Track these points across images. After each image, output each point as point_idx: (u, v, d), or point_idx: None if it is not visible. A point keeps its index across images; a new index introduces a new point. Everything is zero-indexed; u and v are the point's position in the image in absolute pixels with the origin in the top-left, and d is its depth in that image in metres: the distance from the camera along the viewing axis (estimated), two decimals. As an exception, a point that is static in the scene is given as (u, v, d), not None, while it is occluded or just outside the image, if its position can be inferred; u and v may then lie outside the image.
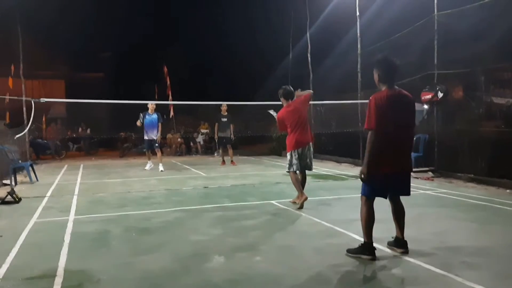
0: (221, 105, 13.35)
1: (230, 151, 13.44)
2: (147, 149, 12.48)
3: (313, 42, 15.91)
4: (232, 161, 13.40)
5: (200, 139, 18.88)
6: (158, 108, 12.38)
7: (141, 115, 11.91)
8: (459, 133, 9.75)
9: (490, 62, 9.58)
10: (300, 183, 6.63)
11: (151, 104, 12.04)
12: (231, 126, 13.24)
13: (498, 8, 8.64)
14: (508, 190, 7.95)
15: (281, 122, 6.64)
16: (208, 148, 18.83)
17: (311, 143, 6.67)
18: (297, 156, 6.50)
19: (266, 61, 19.45)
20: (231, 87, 21.11)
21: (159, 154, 12.21)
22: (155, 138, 11.97)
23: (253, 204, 6.90)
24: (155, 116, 11.94)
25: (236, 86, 20.63)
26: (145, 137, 12.10)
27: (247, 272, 3.80)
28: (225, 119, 13.22)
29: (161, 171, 11.74)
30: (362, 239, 4.27)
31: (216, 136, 13.42)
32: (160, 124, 12.05)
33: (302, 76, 16.34)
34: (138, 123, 11.94)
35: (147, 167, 12.31)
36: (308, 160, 6.59)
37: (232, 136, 13.31)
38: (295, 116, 6.51)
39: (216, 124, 13.32)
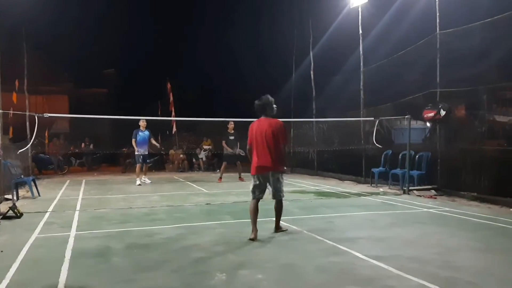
0: (228, 123, 13.34)
1: (239, 168, 13.36)
2: (139, 164, 12.76)
3: (316, 60, 16.01)
4: (240, 177, 13.35)
5: (202, 155, 18.86)
6: (161, 124, 12.65)
7: (134, 132, 12.54)
8: (462, 151, 9.74)
9: (492, 81, 9.62)
10: (275, 215, 5.95)
11: (142, 121, 12.61)
12: (238, 144, 13.22)
13: (501, 27, 8.70)
14: (511, 209, 7.90)
15: (249, 133, 5.82)
16: (211, 165, 18.80)
17: (275, 173, 5.67)
18: (258, 183, 5.70)
19: (271, 79, 19.53)
20: (235, 104, 21.16)
21: (145, 168, 13.15)
22: (147, 153, 12.84)
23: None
24: (147, 132, 12.71)
25: (240, 104, 20.69)
26: (137, 152, 12.60)
27: (249, 290, 3.76)
28: (232, 137, 13.22)
29: (139, 185, 12.37)
30: (364, 258, 4.24)
31: (228, 150, 13.22)
32: (152, 140, 12.99)
33: (305, 94, 16.40)
34: (134, 143, 12.55)
35: (139, 182, 12.57)
36: (273, 189, 5.75)
37: (240, 151, 13.24)
38: (261, 131, 5.60)
39: (224, 142, 13.30)
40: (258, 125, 5.67)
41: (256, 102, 5.74)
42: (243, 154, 13.49)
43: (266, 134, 5.54)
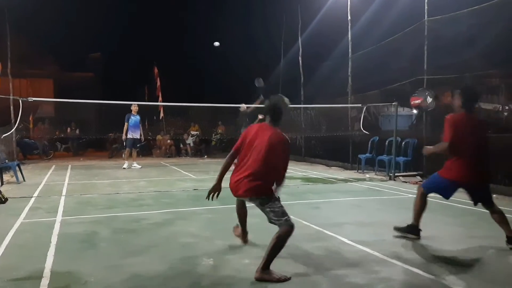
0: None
1: None
2: (129, 148, 13.13)
3: (305, 46, 15.96)
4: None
5: (190, 141, 18.80)
6: (148, 109, 12.76)
7: (127, 116, 12.83)
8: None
9: (478, 68, 9.69)
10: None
11: (134, 106, 12.95)
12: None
13: (488, 15, 8.75)
14: (494, 195, 8.00)
15: (242, 136, 4.19)
16: (198, 150, 18.77)
17: (257, 199, 4.01)
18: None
19: (260, 63, 19.41)
20: (223, 89, 21.06)
21: (134, 153, 13.37)
22: (138, 137, 13.08)
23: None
24: (138, 117, 13.02)
25: (228, 88, 20.57)
26: (129, 136, 12.91)
27: (236, 275, 3.79)
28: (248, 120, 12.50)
29: (124, 168, 12.71)
30: (350, 243, 4.34)
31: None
32: (140, 126, 13.19)
33: (293, 80, 16.38)
34: (126, 127, 12.82)
35: (126, 166, 12.87)
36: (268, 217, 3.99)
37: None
38: (257, 139, 4.02)
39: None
40: (258, 130, 4.09)
41: (266, 102, 4.32)
42: None
43: (261, 145, 3.96)
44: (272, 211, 3.91)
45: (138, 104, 13.31)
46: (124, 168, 12.65)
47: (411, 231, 4.92)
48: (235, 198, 4.51)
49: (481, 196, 4.89)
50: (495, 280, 3.71)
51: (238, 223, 4.69)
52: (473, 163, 4.68)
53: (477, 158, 4.70)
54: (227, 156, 4.26)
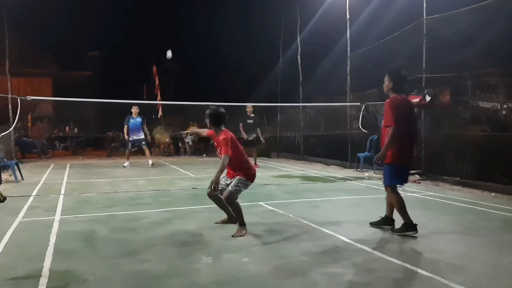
0: (246, 106, 12.89)
1: (255, 153, 12.74)
2: (130, 149, 13.21)
3: (304, 45, 15.95)
4: (255, 163, 12.38)
5: (188, 139, 18.79)
6: (146, 108, 12.77)
7: (126, 119, 12.76)
8: (446, 136, 9.87)
9: (477, 67, 9.70)
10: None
11: (134, 108, 12.84)
12: (258, 129, 12.69)
13: (487, 13, 8.75)
14: (493, 193, 8.05)
15: (232, 143, 5.21)
16: (197, 149, 18.76)
17: None
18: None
19: (258, 62, 19.43)
20: (222, 88, 21.05)
21: (147, 151, 13.29)
22: (141, 137, 12.98)
23: (241, 205, 6.87)
24: (138, 119, 12.88)
25: (228, 88, 20.57)
26: (130, 138, 12.89)
27: (234, 274, 3.79)
28: (251, 121, 12.58)
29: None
30: (349, 241, 4.35)
31: (243, 135, 12.30)
32: (144, 126, 13.06)
33: (292, 78, 16.38)
34: (125, 129, 12.77)
35: (126, 165, 12.90)
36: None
37: (261, 138, 12.87)
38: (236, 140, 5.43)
39: (241, 125, 12.51)
40: (232, 135, 5.28)
41: (221, 111, 5.40)
42: (263, 141, 13.36)
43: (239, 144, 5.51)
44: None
45: (137, 104, 13.24)
46: (124, 166, 12.67)
47: (407, 229, 4.93)
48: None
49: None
50: (495, 278, 3.72)
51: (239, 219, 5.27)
52: (412, 145, 5.15)
53: (414, 139, 5.23)
54: (227, 158, 5.05)
